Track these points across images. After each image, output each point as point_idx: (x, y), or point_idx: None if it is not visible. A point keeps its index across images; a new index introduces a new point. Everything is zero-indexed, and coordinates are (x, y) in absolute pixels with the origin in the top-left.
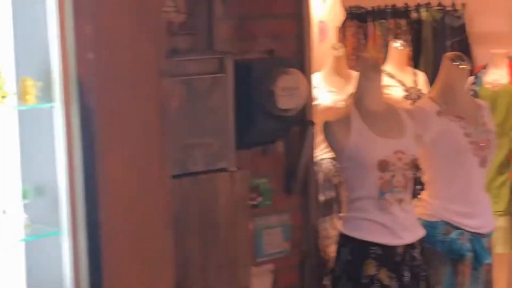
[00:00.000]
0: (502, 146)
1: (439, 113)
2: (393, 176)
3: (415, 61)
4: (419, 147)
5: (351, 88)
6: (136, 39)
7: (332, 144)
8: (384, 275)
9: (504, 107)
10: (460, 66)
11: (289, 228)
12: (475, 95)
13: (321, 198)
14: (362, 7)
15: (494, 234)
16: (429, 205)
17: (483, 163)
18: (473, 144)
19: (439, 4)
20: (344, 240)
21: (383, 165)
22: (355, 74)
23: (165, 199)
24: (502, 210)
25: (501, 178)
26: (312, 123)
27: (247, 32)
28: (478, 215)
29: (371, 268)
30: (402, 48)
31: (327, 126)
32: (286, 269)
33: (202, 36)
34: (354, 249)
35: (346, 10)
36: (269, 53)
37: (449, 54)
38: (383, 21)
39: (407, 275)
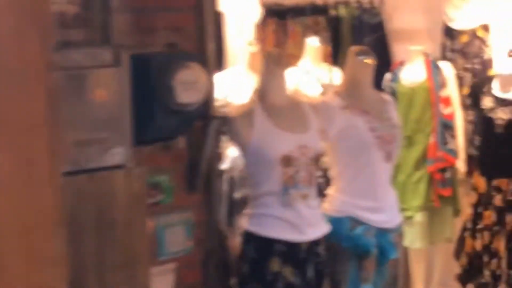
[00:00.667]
0: (418, 142)
1: (343, 108)
2: (297, 171)
3: (334, 58)
4: (323, 141)
5: None
6: (20, 31)
7: (236, 140)
8: (288, 272)
9: (420, 104)
10: (365, 61)
11: (191, 225)
12: (393, 91)
13: (237, 195)
14: (282, 4)
15: (412, 229)
16: (335, 200)
17: (388, 158)
18: (378, 139)
19: (358, 2)
20: (249, 237)
21: (286, 160)
22: None
23: (56, 197)
24: (420, 205)
25: (418, 174)
26: (214, 118)
27: (146, 25)
28: (384, 210)
29: (275, 265)
30: (318, 45)
31: (230, 122)
32: (189, 267)
33: (98, 29)
34: (259, 246)
35: (266, 7)
36: (170, 46)
37: (354, 48)
38: (302, 18)
39: (311, 272)
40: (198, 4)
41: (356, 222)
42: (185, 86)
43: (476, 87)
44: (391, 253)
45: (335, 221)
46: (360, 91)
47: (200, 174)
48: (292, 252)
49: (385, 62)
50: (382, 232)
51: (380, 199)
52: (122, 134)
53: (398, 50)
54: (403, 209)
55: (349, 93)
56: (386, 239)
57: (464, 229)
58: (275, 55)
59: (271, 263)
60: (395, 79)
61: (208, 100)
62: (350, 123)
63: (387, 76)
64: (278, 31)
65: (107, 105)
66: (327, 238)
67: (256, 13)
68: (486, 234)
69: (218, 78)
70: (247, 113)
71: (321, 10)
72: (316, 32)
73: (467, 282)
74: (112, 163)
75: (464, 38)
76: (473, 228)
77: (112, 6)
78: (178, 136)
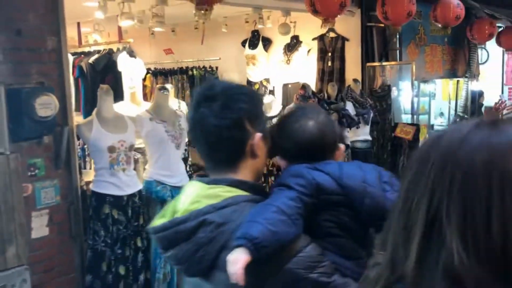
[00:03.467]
0: None
1: (150, 119)
2: (118, 155)
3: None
4: (137, 138)
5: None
6: None
7: (83, 138)
8: (115, 213)
9: None
10: (164, 93)
11: (58, 188)
12: None
13: None
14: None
15: None
16: (148, 171)
17: (178, 147)
18: (171, 136)
19: (204, 66)
20: (92, 193)
21: (111, 149)
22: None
23: None
24: None
25: None
26: (67, 124)
27: (23, 71)
28: (176, 176)
29: (106, 209)
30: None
31: (78, 127)
32: (58, 212)
33: None
34: (97, 198)
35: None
36: (40, 83)
37: (159, 86)
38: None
39: (130, 212)
40: (58, 59)
41: (159, 183)
42: (43, 106)
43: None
44: None
45: (148, 183)
46: (161, 109)
47: (61, 158)
48: (117, 201)
49: None
50: (174, 189)
51: (172, 170)
52: (1, 135)
53: None
54: None
55: (155, 110)
56: (177, 192)
57: None
58: (105, 88)
59: (104, 208)
60: None
61: (62, 115)
62: (154, 127)
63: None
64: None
65: None
66: (140, 192)
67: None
68: None
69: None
70: (89, 122)
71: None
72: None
73: None
74: None
75: (256, 86)
76: None
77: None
78: (44, 136)
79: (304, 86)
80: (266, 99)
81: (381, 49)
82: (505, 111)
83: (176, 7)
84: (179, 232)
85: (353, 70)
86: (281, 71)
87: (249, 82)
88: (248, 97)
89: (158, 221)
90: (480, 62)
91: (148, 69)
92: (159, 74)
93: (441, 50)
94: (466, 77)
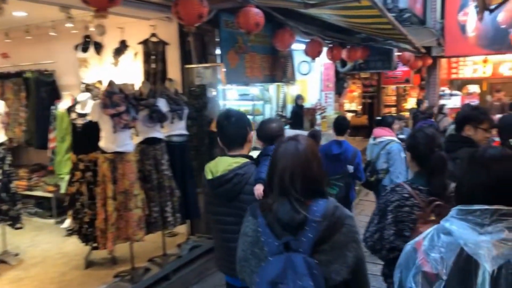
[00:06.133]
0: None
1: None
2: None
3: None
4: None
5: None
6: None
7: None
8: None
9: (65, 122)
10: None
11: None
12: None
13: None
14: None
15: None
16: None
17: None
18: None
19: (38, 70)
20: None
21: None
22: None
23: None
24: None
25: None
26: None
27: None
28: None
29: None
30: None
31: None
32: None
33: None
34: None
35: None
36: None
37: None
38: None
39: None
40: None
41: None
42: None
43: None
44: None
45: None
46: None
47: None
48: None
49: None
50: None
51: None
52: None
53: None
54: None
55: None
56: None
57: None
58: None
59: None
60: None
61: None
62: None
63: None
64: None
65: None
66: None
67: None
68: None
69: None
70: None
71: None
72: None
73: None
74: None
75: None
76: None
77: None
78: None
79: (111, 83)
80: (81, 97)
81: (200, 53)
82: (320, 112)
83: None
84: (224, 180)
85: (174, 71)
86: (112, 73)
87: (84, 83)
88: (244, 115)
89: (208, 175)
90: (304, 73)
91: None
92: None
93: (260, 58)
94: (283, 82)
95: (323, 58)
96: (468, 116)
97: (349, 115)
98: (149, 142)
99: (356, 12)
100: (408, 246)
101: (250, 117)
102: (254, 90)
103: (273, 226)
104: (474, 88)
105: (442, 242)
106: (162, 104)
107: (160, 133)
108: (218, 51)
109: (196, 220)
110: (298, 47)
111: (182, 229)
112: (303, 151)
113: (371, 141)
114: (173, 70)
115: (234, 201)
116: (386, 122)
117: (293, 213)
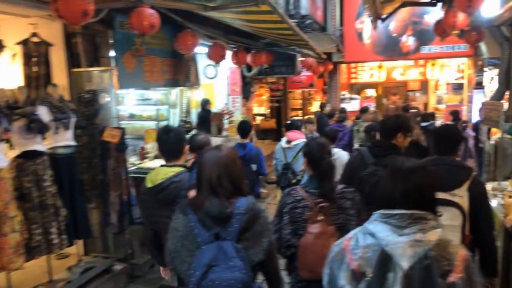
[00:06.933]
0: None
1: None
2: None
3: None
4: None
5: None
6: None
7: None
8: None
9: None
10: None
11: None
12: None
13: None
14: None
15: None
16: None
17: None
18: None
19: None
20: None
21: None
22: None
23: None
24: None
25: None
26: None
27: None
28: None
29: None
30: None
31: None
32: None
33: None
34: None
35: None
36: None
37: None
38: None
39: None
40: None
41: None
42: None
43: None
44: None
45: None
46: None
47: None
48: None
49: None
50: None
51: None
52: None
53: None
54: None
55: None
56: None
57: None
58: None
59: None
60: None
61: None
62: None
63: None
64: None
65: None
66: None
67: None
68: None
69: None
70: None
71: None
72: None
73: None
74: None
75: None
76: None
77: None
78: None
79: None
80: None
81: (91, 55)
82: (227, 116)
83: None
84: (163, 187)
85: (60, 76)
86: None
87: None
88: (181, 130)
89: (148, 184)
90: (210, 76)
91: None
92: None
93: (161, 62)
94: (186, 86)
95: (229, 62)
96: (401, 125)
97: (258, 119)
98: (28, 156)
99: (257, 17)
100: (335, 247)
101: (154, 122)
102: (157, 94)
103: (204, 220)
104: (371, 92)
105: (366, 243)
106: (43, 113)
107: (41, 145)
108: (112, 54)
109: (91, 239)
110: (202, 51)
111: (73, 249)
112: (224, 157)
113: (283, 144)
114: (59, 74)
115: (172, 205)
116: (296, 126)
117: (222, 208)
